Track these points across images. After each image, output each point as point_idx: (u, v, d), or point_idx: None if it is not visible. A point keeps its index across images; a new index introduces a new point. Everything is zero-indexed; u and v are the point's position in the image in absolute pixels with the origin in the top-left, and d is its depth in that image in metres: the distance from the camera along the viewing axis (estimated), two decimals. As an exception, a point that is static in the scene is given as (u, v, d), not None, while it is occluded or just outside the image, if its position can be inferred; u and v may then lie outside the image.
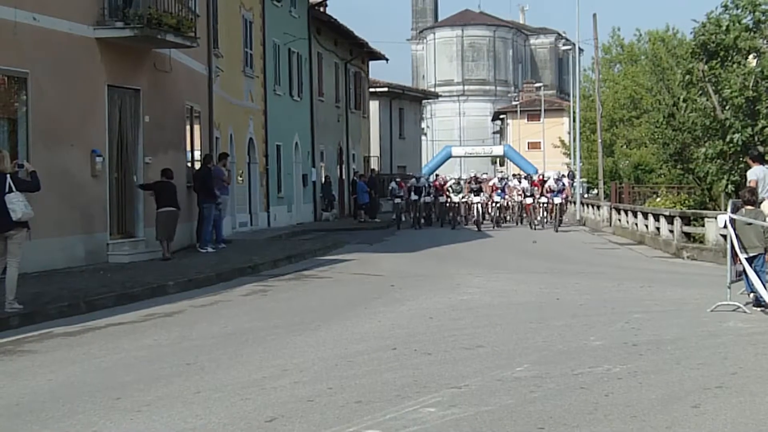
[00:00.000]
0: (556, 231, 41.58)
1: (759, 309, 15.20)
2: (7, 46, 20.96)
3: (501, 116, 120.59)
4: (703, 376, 10.21)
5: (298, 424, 8.66)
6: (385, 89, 69.88)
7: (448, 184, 47.59)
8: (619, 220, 41.66)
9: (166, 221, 25.35)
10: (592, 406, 8.99)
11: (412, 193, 46.04)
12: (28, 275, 20.48)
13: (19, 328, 14.90)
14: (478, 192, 44.47)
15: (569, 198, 50.13)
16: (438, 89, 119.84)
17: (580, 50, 65.59)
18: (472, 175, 47.52)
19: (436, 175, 56.06)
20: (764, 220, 15.82)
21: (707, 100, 33.69)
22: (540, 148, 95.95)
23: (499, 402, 9.20)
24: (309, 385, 10.19)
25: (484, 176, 52.04)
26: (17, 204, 15.77)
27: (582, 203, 54.26)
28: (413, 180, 47.68)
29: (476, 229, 42.30)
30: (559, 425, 8.39)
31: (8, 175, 15.96)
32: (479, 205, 44.13)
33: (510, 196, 48.97)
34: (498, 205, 47.27)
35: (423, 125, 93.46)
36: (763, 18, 32.55)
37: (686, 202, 39.67)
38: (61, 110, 22.56)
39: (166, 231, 25.40)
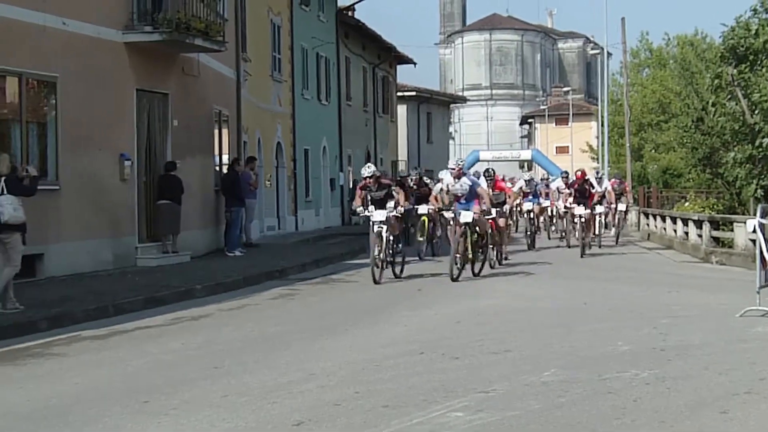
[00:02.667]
0: (498, 265, 25.52)
1: (788, 314, 15.01)
2: (36, 50, 21.07)
3: (529, 120, 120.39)
4: (731, 382, 10.15)
5: (325, 428, 8.66)
6: (413, 93, 69.84)
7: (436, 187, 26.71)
8: (648, 224, 41.48)
9: (164, 215, 25.19)
10: (620, 411, 8.95)
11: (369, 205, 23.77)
12: (56, 278, 20.61)
13: (48, 332, 14.97)
14: (420, 201, 28.82)
15: (616, 204, 35.81)
16: (466, 93, 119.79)
17: (609, 54, 65.45)
18: (413, 174, 31.33)
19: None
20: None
21: (736, 104, 33.57)
22: (568, 152, 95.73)
23: (526, 407, 9.18)
24: (336, 389, 10.19)
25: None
26: (6, 207, 15.82)
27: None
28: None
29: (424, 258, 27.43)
30: (587, 430, 8.36)
31: (3, 178, 16.03)
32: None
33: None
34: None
35: (451, 129, 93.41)
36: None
37: (715, 206, 39.54)
38: (89, 114, 22.64)
39: (165, 225, 25.28)
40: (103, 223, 23.15)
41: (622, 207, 36.23)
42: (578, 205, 29.65)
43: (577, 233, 29.53)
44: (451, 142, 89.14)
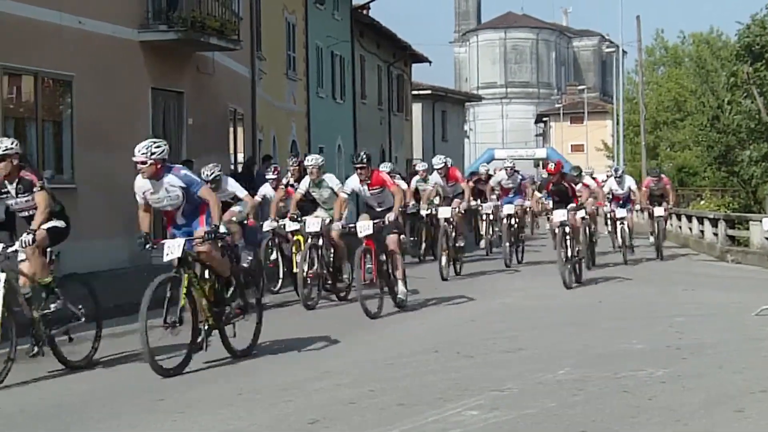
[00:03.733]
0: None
1: (804, 313, 14.76)
2: (52, 49, 21.12)
3: (544, 119, 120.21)
4: (746, 380, 10.13)
5: (340, 426, 8.66)
6: (428, 92, 69.79)
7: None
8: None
9: None
10: (634, 409, 8.94)
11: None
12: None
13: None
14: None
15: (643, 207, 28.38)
16: (481, 92, 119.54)
17: (624, 52, 65.49)
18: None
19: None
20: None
21: (752, 102, 33.55)
22: (583, 150, 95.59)
23: (540, 405, 9.17)
24: (350, 388, 10.20)
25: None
26: None
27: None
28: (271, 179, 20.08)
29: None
30: (602, 429, 8.35)
31: None
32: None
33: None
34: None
35: (466, 128, 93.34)
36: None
37: (731, 205, 39.40)
38: (105, 113, 22.68)
39: None
40: (118, 222, 23.17)
41: (660, 211, 27.09)
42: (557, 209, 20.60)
43: (561, 251, 19.90)
44: (466, 140, 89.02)
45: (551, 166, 21.41)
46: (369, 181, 16.44)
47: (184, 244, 11.82)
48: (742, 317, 14.91)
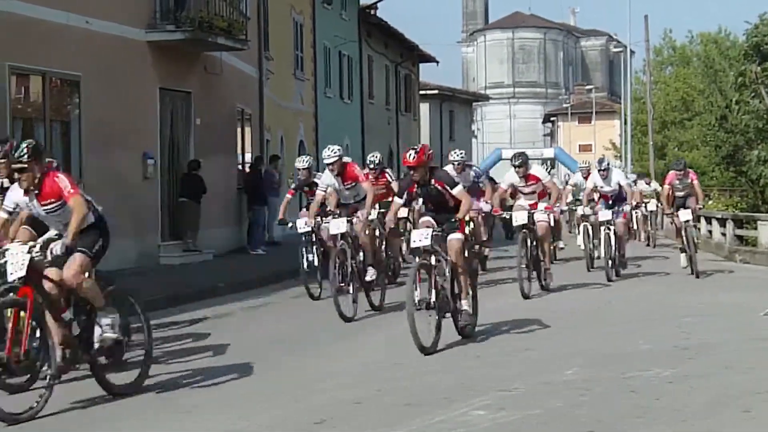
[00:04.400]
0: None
1: (812, 313, 14.60)
2: (59, 49, 21.14)
3: (552, 119, 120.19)
4: (753, 381, 10.12)
5: (347, 426, 8.67)
6: (436, 92, 69.80)
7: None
8: (671, 222, 41.24)
9: (182, 213, 25.24)
10: (641, 410, 8.93)
11: None
12: (80, 277, 20.62)
13: (71, 330, 14.99)
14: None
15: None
16: (488, 91, 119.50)
17: (632, 52, 65.39)
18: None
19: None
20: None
21: (760, 102, 33.50)
22: (591, 150, 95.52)
23: (547, 405, 9.17)
24: (357, 388, 10.20)
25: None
26: None
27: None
28: None
29: None
30: (608, 429, 8.35)
31: None
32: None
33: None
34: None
35: (473, 128, 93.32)
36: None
37: (739, 204, 39.32)
38: (112, 113, 22.69)
39: (184, 223, 25.36)
40: (126, 222, 23.18)
41: (686, 215, 21.51)
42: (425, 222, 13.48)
43: (414, 294, 12.37)
44: (473, 140, 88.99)
45: (410, 155, 13.01)
46: (37, 192, 10.55)
47: None
48: (750, 317, 14.88)
